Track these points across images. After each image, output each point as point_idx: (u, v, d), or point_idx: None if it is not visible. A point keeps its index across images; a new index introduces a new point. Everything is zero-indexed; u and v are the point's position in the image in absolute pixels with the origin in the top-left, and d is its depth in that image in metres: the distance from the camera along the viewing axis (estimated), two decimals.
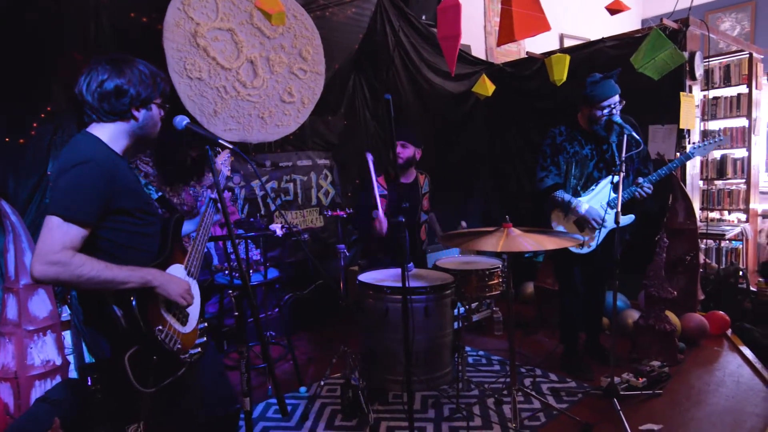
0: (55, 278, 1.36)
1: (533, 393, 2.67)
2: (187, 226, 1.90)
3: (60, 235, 1.36)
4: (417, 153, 3.24)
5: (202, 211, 1.92)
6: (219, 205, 1.87)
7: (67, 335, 2.78)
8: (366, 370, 2.74)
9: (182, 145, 3.36)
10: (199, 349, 1.64)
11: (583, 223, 2.94)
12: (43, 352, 2.57)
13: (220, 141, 1.68)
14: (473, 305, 3.81)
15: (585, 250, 2.95)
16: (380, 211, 3.01)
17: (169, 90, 1.70)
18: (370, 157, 3.05)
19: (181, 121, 1.68)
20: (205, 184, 3.54)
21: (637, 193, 2.85)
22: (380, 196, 3.21)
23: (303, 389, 2.99)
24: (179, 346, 1.52)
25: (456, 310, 2.82)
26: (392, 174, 3.11)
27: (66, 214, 1.37)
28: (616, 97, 2.79)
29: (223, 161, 2.08)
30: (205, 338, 1.69)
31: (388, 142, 3.11)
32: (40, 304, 2.58)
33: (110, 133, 1.56)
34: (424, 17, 4.63)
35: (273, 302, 3.81)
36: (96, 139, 1.53)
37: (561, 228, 3.00)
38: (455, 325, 2.84)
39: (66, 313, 2.80)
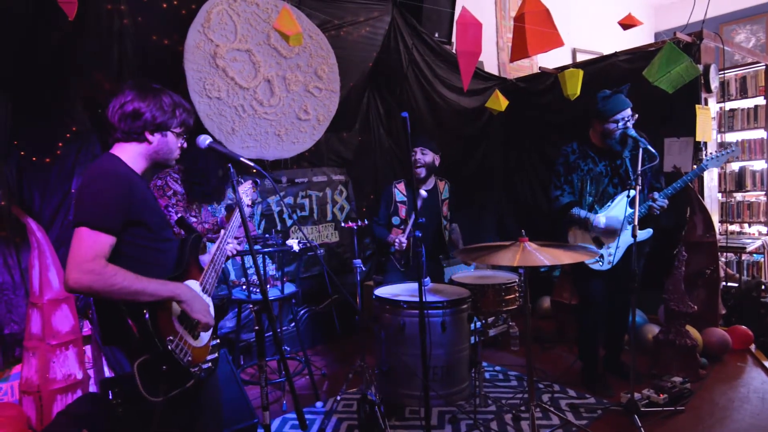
0: (89, 286, 1.40)
1: (552, 409, 2.64)
2: (204, 257, 1.90)
3: (90, 243, 1.42)
4: (436, 159, 3.31)
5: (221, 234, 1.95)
6: (239, 223, 1.89)
7: (87, 350, 2.83)
8: (382, 385, 2.74)
9: (209, 165, 3.44)
10: (210, 365, 1.67)
11: (602, 239, 2.92)
12: (65, 366, 2.61)
13: (242, 159, 1.73)
14: (490, 320, 3.78)
15: (606, 266, 2.93)
16: (398, 235, 3.06)
17: (192, 122, 1.76)
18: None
19: (204, 140, 1.73)
20: (223, 202, 3.60)
21: (653, 210, 2.83)
22: (399, 202, 3.25)
23: (319, 404, 2.99)
24: (190, 358, 1.55)
25: (472, 325, 2.82)
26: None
27: (93, 224, 1.44)
28: (628, 111, 2.80)
29: (245, 191, 2.11)
30: (216, 354, 1.72)
31: (406, 156, 3.18)
32: (63, 319, 2.64)
33: (129, 154, 1.64)
34: (437, 35, 4.69)
35: (289, 317, 3.83)
36: (116, 158, 1.62)
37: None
38: (472, 339, 2.83)
39: (87, 328, 2.85)
